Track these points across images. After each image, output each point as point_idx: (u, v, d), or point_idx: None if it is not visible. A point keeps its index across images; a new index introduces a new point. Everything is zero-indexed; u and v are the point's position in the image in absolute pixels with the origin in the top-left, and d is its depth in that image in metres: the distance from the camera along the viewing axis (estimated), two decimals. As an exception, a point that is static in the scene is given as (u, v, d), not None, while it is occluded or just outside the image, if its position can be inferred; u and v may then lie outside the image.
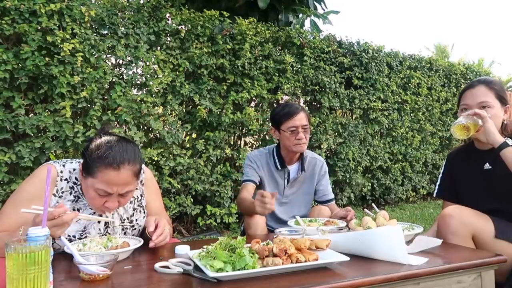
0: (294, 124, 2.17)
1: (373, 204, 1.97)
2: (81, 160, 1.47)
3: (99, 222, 1.53)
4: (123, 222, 1.60)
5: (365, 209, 1.93)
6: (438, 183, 2.09)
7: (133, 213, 1.63)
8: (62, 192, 1.48)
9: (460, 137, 1.72)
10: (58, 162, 1.51)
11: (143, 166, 1.66)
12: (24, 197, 1.41)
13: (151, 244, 1.42)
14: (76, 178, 1.51)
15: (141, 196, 1.66)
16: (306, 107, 4.96)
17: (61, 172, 1.49)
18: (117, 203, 1.44)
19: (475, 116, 1.68)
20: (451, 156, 2.07)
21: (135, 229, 1.64)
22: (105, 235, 1.55)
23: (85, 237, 1.50)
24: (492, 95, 1.78)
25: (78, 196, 1.51)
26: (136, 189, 1.63)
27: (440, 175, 2.09)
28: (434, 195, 2.09)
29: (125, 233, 1.61)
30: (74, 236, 1.48)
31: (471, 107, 1.78)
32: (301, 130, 2.17)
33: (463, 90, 1.89)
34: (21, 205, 1.36)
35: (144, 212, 1.67)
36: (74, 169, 1.51)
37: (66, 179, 1.49)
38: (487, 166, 1.82)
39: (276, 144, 2.35)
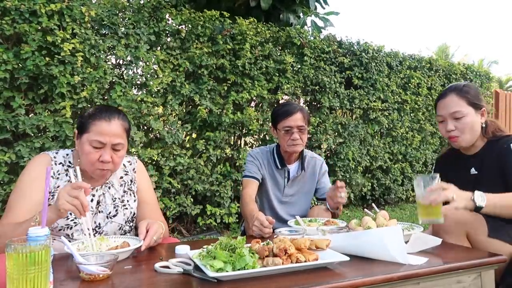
0: (289, 124, 2.16)
1: (373, 204, 1.97)
2: (73, 149, 1.66)
3: (92, 200, 1.64)
4: (114, 201, 1.68)
5: (365, 209, 1.93)
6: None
7: (124, 195, 1.73)
8: (59, 174, 1.61)
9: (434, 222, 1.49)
10: (51, 151, 1.67)
11: (136, 157, 1.85)
12: (26, 182, 1.54)
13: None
14: (70, 162, 1.64)
15: (131, 181, 1.77)
16: (306, 107, 4.96)
17: (54, 157, 1.63)
18: (110, 157, 1.54)
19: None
20: (438, 161, 2.08)
21: (126, 209, 1.71)
22: (97, 214, 1.63)
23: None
24: (463, 103, 1.76)
25: (75, 174, 1.60)
26: (127, 174, 1.76)
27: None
28: None
29: (116, 211, 1.68)
30: (71, 214, 1.55)
31: (445, 118, 1.79)
32: (296, 130, 2.16)
33: (436, 99, 1.89)
34: (24, 191, 1.51)
35: (134, 196, 1.76)
36: (67, 154, 1.66)
37: (60, 163, 1.63)
38: (473, 171, 1.82)
39: (276, 144, 2.35)
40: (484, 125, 1.80)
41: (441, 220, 1.43)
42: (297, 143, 2.17)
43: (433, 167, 2.10)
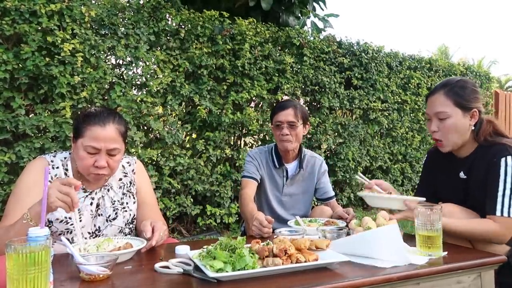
0: (279, 119, 2.17)
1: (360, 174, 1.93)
2: (71, 151, 1.62)
3: (91, 204, 1.62)
4: (113, 204, 1.67)
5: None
6: (418, 183, 2.01)
7: (123, 197, 1.71)
8: (57, 178, 1.57)
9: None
10: (48, 154, 1.64)
11: (135, 158, 1.83)
12: (23, 189, 1.51)
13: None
14: (67, 165, 1.60)
15: (131, 183, 1.75)
16: (306, 107, 4.96)
17: (52, 161, 1.60)
18: (105, 162, 1.52)
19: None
20: (430, 154, 1.96)
21: (126, 211, 1.70)
22: (97, 217, 1.62)
23: (80, 221, 1.56)
24: (450, 103, 1.64)
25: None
26: (126, 176, 1.75)
27: (421, 175, 2.01)
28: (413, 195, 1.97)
29: (116, 214, 1.67)
30: (70, 218, 1.54)
31: (431, 117, 1.70)
32: (285, 125, 2.16)
33: (427, 95, 1.77)
34: (22, 197, 1.48)
35: (134, 198, 1.74)
36: (65, 158, 1.63)
37: (58, 167, 1.59)
38: (462, 175, 1.73)
39: (275, 143, 2.35)
40: (475, 127, 1.67)
41: (441, 253, 1.37)
42: (286, 138, 2.16)
43: (425, 159, 2.00)
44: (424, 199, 1.65)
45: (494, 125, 1.70)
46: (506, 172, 1.55)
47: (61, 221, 1.53)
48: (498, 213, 1.52)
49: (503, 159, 1.57)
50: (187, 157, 3.91)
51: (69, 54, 3.14)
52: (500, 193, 1.54)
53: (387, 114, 5.70)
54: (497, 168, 1.57)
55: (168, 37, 3.95)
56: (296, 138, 2.19)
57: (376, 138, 5.68)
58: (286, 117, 2.16)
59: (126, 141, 1.65)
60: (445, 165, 1.83)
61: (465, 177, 1.72)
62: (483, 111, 1.70)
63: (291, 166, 2.31)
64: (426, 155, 2.00)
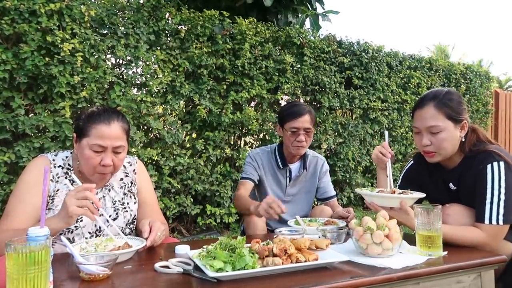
0: (296, 126, 2.16)
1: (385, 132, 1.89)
2: (72, 150, 1.63)
3: (92, 203, 1.60)
4: (114, 204, 1.67)
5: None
6: (399, 182, 1.95)
7: (124, 197, 1.71)
8: (58, 177, 1.58)
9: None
10: (50, 153, 1.64)
11: (136, 158, 1.84)
12: (24, 188, 1.51)
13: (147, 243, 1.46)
14: (69, 165, 1.62)
15: (132, 183, 1.75)
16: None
17: (53, 160, 1.60)
18: (111, 161, 1.53)
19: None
20: (416, 160, 1.90)
21: (126, 211, 1.70)
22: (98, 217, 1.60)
23: (81, 220, 1.57)
24: (442, 116, 1.61)
25: (73, 180, 1.59)
26: (128, 176, 1.75)
27: (403, 176, 1.97)
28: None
29: (117, 214, 1.67)
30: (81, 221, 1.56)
31: (421, 131, 1.66)
32: (302, 132, 2.15)
33: (414, 107, 1.73)
34: (23, 196, 1.49)
35: (134, 198, 1.74)
36: (66, 157, 1.64)
37: (60, 166, 1.60)
38: (452, 186, 1.72)
39: (278, 143, 2.35)
40: (463, 139, 1.66)
41: (441, 253, 1.38)
42: (302, 145, 2.17)
43: (411, 161, 1.95)
44: (424, 194, 1.64)
45: (478, 133, 1.70)
46: (493, 178, 1.55)
47: None
48: (486, 221, 1.52)
49: (489, 166, 1.57)
50: (187, 157, 3.91)
51: (69, 53, 3.14)
52: (488, 200, 1.54)
53: (387, 114, 5.70)
54: (484, 175, 1.57)
55: (168, 37, 3.95)
56: (309, 143, 2.21)
57: (376, 137, 5.68)
58: (303, 124, 2.16)
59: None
60: (432, 175, 1.82)
61: (455, 188, 1.72)
62: (470, 121, 1.69)
63: (294, 167, 2.32)
64: (412, 159, 1.96)
